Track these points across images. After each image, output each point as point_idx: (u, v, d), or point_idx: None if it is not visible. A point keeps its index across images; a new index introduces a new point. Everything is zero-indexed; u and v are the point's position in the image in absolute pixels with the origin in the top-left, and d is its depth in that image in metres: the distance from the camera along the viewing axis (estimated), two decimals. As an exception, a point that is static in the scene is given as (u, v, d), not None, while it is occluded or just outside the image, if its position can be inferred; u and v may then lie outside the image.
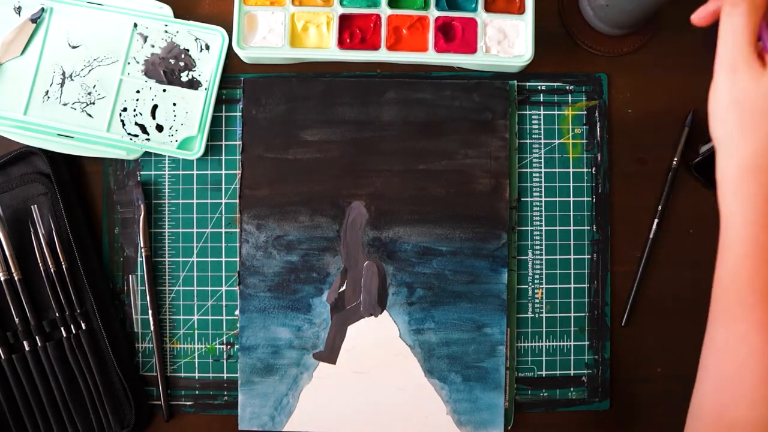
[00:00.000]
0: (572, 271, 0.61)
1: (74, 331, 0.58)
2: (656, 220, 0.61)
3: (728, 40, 0.41)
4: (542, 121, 0.62)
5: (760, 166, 0.41)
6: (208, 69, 0.60)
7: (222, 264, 0.61)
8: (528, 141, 0.62)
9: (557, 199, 0.62)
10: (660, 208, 0.62)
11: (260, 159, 0.60)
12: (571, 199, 0.62)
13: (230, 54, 0.61)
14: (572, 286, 0.61)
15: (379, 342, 0.60)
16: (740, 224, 0.43)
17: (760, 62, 0.41)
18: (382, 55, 0.60)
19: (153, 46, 0.60)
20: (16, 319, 0.57)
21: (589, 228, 0.61)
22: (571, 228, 0.61)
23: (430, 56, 0.60)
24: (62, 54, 0.60)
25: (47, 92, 0.59)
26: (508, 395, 0.60)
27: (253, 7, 0.60)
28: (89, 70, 0.60)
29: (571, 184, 0.62)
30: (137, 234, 0.60)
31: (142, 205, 0.60)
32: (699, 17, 0.45)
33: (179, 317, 0.61)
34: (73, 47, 0.60)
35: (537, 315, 0.61)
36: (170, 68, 0.60)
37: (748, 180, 0.41)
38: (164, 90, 0.60)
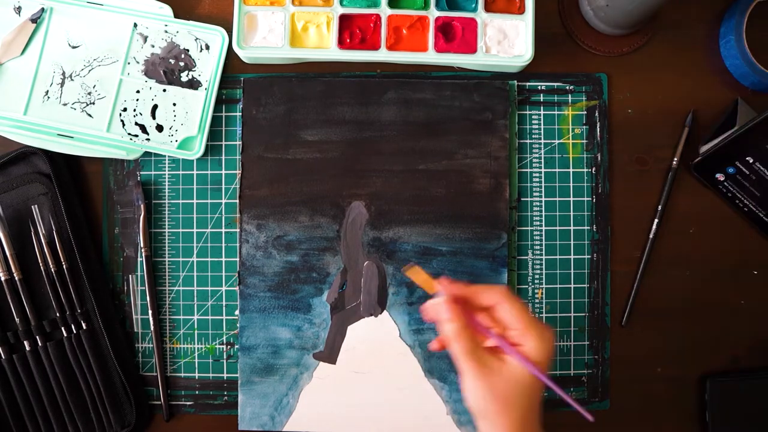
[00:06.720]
0: (572, 271, 0.61)
1: (75, 331, 0.58)
2: (656, 220, 0.61)
3: (457, 350, 0.47)
4: (542, 121, 0.62)
5: None
6: (208, 69, 0.60)
7: (222, 264, 0.61)
8: (528, 141, 0.62)
9: (557, 199, 0.62)
10: (660, 208, 0.61)
11: (260, 159, 0.60)
12: (571, 199, 0.62)
13: (230, 54, 0.61)
14: (572, 286, 0.61)
15: (379, 342, 0.60)
16: None
17: (495, 356, 0.47)
18: (382, 55, 0.60)
19: (153, 46, 0.60)
20: (17, 319, 0.57)
21: (589, 228, 0.61)
22: (571, 228, 0.61)
23: (430, 56, 0.60)
24: (62, 54, 0.60)
25: (47, 92, 0.59)
26: (508, 395, 0.60)
27: (253, 7, 0.60)
28: (89, 70, 0.60)
29: (571, 184, 0.62)
30: (137, 234, 0.60)
31: (142, 205, 0.60)
32: (434, 348, 0.51)
33: (179, 317, 0.61)
34: (73, 47, 0.60)
35: (537, 315, 0.61)
36: (170, 68, 0.60)
37: None
38: (164, 90, 0.60)
